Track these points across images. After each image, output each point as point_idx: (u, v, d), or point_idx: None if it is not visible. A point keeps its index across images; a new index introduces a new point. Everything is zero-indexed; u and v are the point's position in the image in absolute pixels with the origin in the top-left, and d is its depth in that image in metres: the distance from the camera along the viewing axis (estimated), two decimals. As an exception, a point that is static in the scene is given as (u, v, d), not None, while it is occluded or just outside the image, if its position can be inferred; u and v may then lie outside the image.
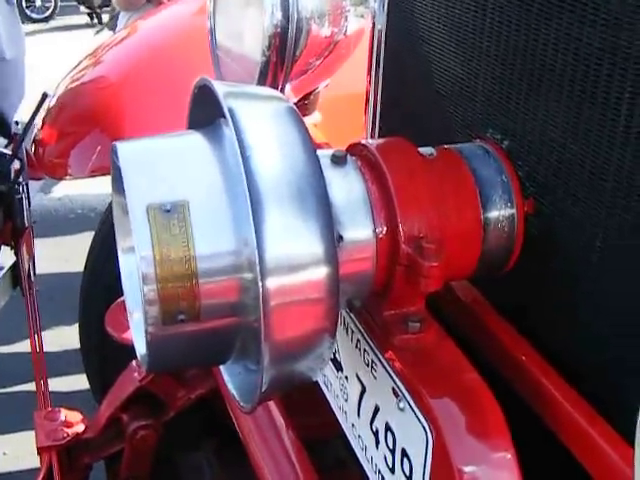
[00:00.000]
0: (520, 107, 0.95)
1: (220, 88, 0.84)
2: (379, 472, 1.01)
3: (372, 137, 1.34)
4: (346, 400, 1.09)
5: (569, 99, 0.86)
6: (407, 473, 0.92)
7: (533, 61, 0.92)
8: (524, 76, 0.94)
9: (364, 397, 1.02)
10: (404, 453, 0.93)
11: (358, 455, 1.09)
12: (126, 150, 0.84)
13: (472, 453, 0.83)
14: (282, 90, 1.36)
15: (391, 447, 0.96)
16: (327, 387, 1.18)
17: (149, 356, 0.83)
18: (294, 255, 0.77)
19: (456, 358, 0.91)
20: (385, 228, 0.89)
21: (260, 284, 0.76)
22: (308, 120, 1.66)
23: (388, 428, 0.96)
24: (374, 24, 1.28)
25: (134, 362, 1.53)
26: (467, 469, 0.82)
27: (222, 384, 1.01)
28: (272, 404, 1.35)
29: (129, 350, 1.04)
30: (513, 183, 0.94)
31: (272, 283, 0.76)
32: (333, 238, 0.80)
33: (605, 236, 0.84)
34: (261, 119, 0.82)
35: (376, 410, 0.99)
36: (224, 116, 0.82)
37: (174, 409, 1.54)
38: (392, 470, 0.97)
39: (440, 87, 1.13)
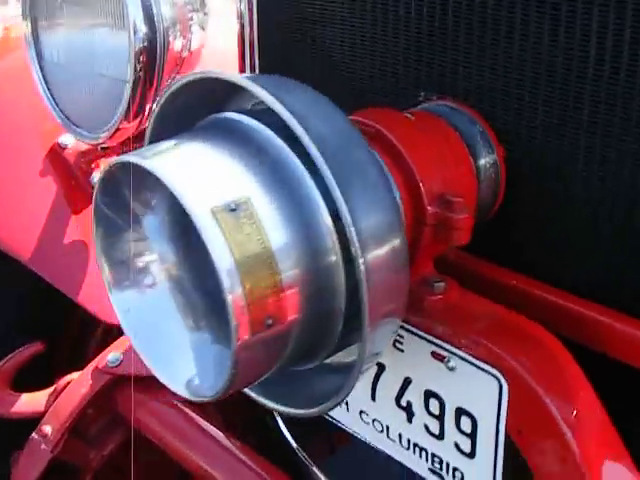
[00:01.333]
0: (469, 61, 0.99)
1: (245, 79, 0.78)
2: (415, 446, 1.00)
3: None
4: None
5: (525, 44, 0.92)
6: (468, 430, 0.92)
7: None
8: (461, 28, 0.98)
9: (381, 378, 1.00)
10: (460, 412, 0.92)
11: (371, 441, 1.06)
12: (157, 162, 0.76)
13: (556, 392, 0.85)
14: (150, 110, 1.29)
15: (437, 413, 0.95)
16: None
17: (233, 375, 0.76)
18: (379, 227, 0.75)
19: (491, 308, 0.92)
20: (406, 193, 0.88)
21: (361, 260, 0.72)
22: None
23: (430, 395, 0.95)
24: (242, 26, 1.25)
25: (35, 435, 1.35)
26: (554, 409, 0.84)
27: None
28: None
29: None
30: (488, 131, 0.98)
31: (371, 258, 0.73)
32: (398, 206, 0.79)
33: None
34: (303, 104, 0.78)
35: (405, 384, 0.97)
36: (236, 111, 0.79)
37: (90, 473, 1.39)
38: (440, 436, 0.96)
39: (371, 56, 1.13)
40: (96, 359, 1.39)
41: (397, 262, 0.77)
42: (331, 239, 0.75)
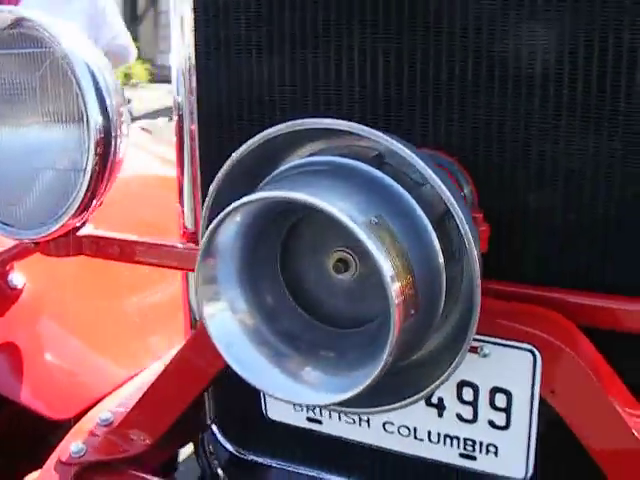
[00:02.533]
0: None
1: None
2: (446, 437, 1.17)
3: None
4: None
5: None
6: (502, 405, 1.12)
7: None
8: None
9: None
10: (495, 392, 1.12)
11: (395, 448, 1.21)
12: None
13: (582, 354, 1.08)
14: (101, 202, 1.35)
15: (470, 399, 1.14)
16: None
17: (387, 361, 0.90)
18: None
19: (506, 304, 1.13)
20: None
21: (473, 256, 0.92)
22: None
23: (464, 385, 1.13)
24: (180, 116, 1.37)
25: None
26: (585, 367, 1.06)
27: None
28: None
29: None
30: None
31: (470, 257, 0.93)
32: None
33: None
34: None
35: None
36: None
37: None
38: (473, 420, 1.14)
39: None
40: (55, 453, 1.38)
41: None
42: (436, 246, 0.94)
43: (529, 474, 1.16)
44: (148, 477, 1.37)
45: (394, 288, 0.87)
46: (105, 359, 1.74)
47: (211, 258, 0.98)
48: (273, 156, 1.04)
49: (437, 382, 0.99)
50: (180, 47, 1.34)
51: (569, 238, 1.12)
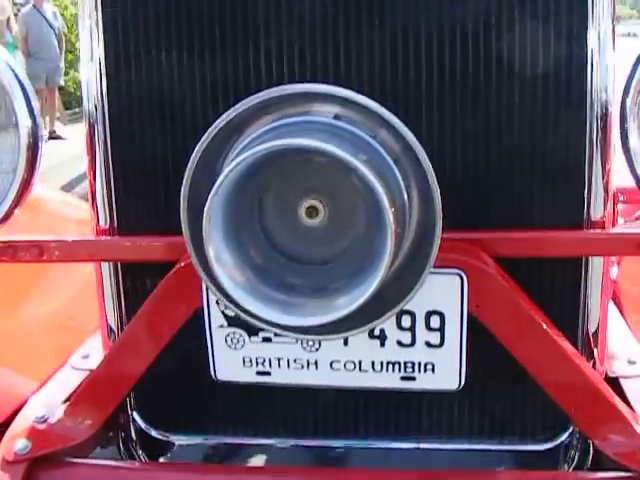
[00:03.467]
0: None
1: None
2: (388, 364, 1.34)
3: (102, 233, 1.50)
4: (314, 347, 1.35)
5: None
6: (437, 326, 1.32)
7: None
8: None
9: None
10: (429, 314, 1.31)
11: (342, 384, 1.36)
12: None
13: (501, 274, 1.31)
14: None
15: (408, 325, 1.32)
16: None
17: (386, 268, 1.07)
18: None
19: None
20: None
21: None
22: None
23: (402, 313, 1.31)
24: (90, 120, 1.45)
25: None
26: (506, 284, 1.29)
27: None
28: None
29: None
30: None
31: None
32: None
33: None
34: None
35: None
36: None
37: None
38: (411, 343, 1.33)
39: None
40: (-3, 455, 1.38)
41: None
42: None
43: (462, 384, 1.37)
44: (103, 463, 1.42)
45: (390, 213, 1.04)
46: (23, 359, 1.74)
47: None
48: (237, 130, 1.17)
49: (407, 298, 1.16)
50: (89, 52, 1.43)
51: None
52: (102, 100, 1.44)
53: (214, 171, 1.17)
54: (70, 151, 8.79)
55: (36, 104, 1.37)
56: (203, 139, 1.14)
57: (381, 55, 1.35)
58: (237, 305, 1.14)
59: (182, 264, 1.34)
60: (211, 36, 1.38)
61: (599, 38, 1.36)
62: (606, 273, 1.49)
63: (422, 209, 1.16)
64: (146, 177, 1.46)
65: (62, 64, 11.45)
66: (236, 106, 1.12)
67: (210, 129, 1.13)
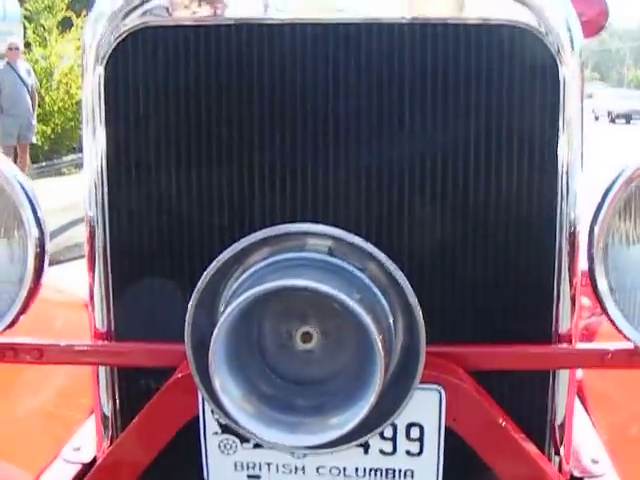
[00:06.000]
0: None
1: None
2: (371, 470, 1.44)
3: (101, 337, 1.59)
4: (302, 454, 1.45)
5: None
6: (416, 436, 1.42)
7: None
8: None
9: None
10: (410, 426, 1.41)
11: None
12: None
13: (475, 387, 1.42)
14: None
15: (390, 436, 1.42)
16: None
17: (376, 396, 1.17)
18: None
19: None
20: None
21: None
22: None
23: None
24: (91, 227, 1.55)
25: None
26: (479, 397, 1.40)
27: None
28: None
29: None
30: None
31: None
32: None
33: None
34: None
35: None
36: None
37: None
38: (393, 452, 1.43)
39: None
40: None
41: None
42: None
43: (440, 490, 1.47)
44: None
45: (380, 346, 1.15)
46: (15, 450, 1.81)
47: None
48: (237, 260, 1.29)
49: (391, 418, 1.27)
50: (92, 163, 1.54)
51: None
52: (103, 209, 1.55)
53: (216, 298, 1.28)
54: (37, 209, 8.79)
55: (42, 213, 1.47)
56: (206, 273, 1.25)
57: (367, 180, 1.48)
58: (239, 425, 1.24)
59: (180, 375, 1.43)
60: (208, 154, 1.50)
61: (567, 172, 1.49)
62: (572, 373, 1.61)
63: (407, 335, 1.29)
64: (144, 286, 1.56)
65: (34, 121, 11.53)
66: (237, 243, 1.24)
67: (213, 263, 1.25)
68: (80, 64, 1.61)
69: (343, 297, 1.14)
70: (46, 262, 1.47)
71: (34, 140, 11.47)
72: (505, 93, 1.46)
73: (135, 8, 1.49)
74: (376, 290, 1.23)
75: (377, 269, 1.25)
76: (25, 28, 14.66)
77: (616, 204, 1.41)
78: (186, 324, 1.26)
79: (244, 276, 1.25)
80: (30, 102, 11.15)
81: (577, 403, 1.91)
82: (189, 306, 1.27)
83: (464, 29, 1.45)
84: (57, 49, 14.99)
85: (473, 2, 1.46)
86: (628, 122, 39.55)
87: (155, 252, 1.55)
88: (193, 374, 1.29)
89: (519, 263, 1.51)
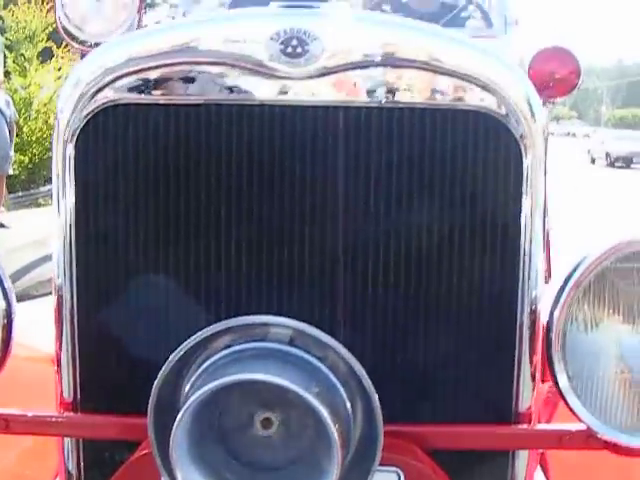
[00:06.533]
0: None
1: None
2: None
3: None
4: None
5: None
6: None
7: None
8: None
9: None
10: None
11: None
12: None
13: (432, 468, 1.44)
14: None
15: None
16: None
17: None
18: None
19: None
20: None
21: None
22: None
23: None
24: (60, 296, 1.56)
25: None
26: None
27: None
28: None
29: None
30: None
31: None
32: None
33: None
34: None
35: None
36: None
37: None
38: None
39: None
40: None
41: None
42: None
43: None
44: None
45: (337, 438, 1.17)
46: None
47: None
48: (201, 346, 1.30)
49: None
50: (61, 235, 1.56)
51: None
52: (71, 280, 1.57)
53: (180, 381, 1.30)
54: (13, 241, 8.75)
55: (9, 284, 1.48)
56: (171, 358, 1.27)
57: (332, 263, 1.50)
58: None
59: (143, 452, 1.44)
60: (176, 230, 1.53)
61: (529, 252, 1.53)
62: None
63: (366, 421, 1.31)
64: (111, 357, 1.58)
65: (12, 152, 11.48)
66: (201, 332, 1.26)
67: (178, 349, 1.27)
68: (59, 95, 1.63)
69: (301, 392, 1.16)
70: (13, 332, 1.48)
71: (10, 172, 11.40)
72: (470, 178, 1.50)
73: (106, 85, 1.51)
74: (335, 381, 1.26)
75: (337, 357, 1.27)
76: (5, 57, 14.66)
77: (577, 290, 1.45)
78: (149, 407, 1.28)
79: (206, 364, 1.27)
80: (8, 134, 11.11)
81: (540, 474, 1.93)
82: (153, 388, 1.29)
83: (430, 114, 1.49)
84: (37, 79, 14.97)
85: (438, 87, 1.49)
86: (628, 166, 34.60)
87: (122, 326, 1.56)
88: (155, 457, 1.30)
89: (479, 343, 1.54)
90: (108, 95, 1.52)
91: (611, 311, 1.46)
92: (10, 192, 12.67)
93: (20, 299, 1.57)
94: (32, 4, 15.56)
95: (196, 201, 1.52)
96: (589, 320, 1.47)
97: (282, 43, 1.43)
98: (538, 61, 3.54)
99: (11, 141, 11.28)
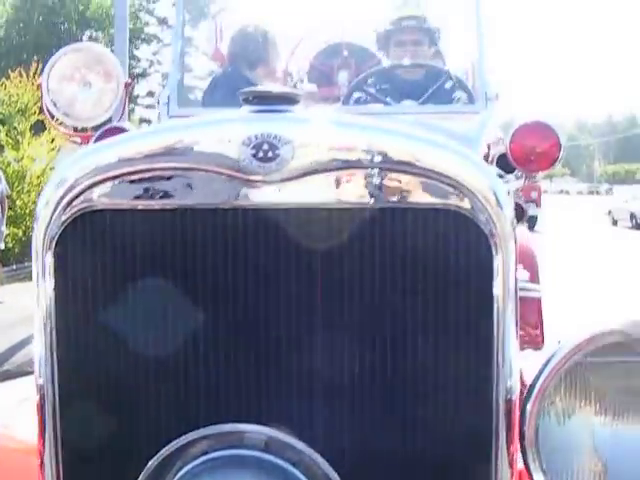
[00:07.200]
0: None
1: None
2: None
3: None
4: None
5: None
6: None
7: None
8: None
9: None
10: None
11: None
12: None
13: None
14: None
15: None
16: None
17: None
18: None
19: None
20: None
21: None
22: None
23: None
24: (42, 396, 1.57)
25: None
26: None
27: None
28: None
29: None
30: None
31: None
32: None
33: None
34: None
35: None
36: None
37: None
38: None
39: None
40: None
41: None
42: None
43: None
44: None
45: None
46: None
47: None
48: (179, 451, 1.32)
49: None
50: (41, 338, 1.58)
51: None
52: (52, 380, 1.59)
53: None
54: (6, 317, 8.74)
55: None
56: (148, 466, 1.28)
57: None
58: None
59: None
60: (155, 333, 1.55)
61: (502, 343, 1.54)
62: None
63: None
64: (94, 461, 1.59)
65: (4, 227, 11.55)
66: (176, 441, 1.27)
67: (157, 456, 1.28)
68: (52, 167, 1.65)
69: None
70: None
71: (2, 246, 11.46)
72: (441, 278, 1.52)
73: (82, 192, 1.54)
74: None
75: (311, 462, 1.28)
76: (-1, 131, 14.83)
77: (549, 384, 1.46)
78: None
79: (182, 472, 1.28)
80: (0, 208, 11.18)
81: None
82: None
83: (401, 214, 1.52)
84: (30, 152, 15.12)
85: (409, 187, 1.52)
86: (658, 229, 27.76)
87: (102, 431, 1.57)
88: None
89: (456, 437, 1.55)
90: (85, 201, 1.55)
91: (583, 403, 1.48)
92: (4, 265, 12.70)
93: (14, 376, 1.58)
94: (24, 78, 15.79)
95: (173, 306, 1.54)
96: (562, 413, 1.48)
97: (254, 148, 1.47)
98: (519, 136, 3.58)
99: (2, 216, 11.34)
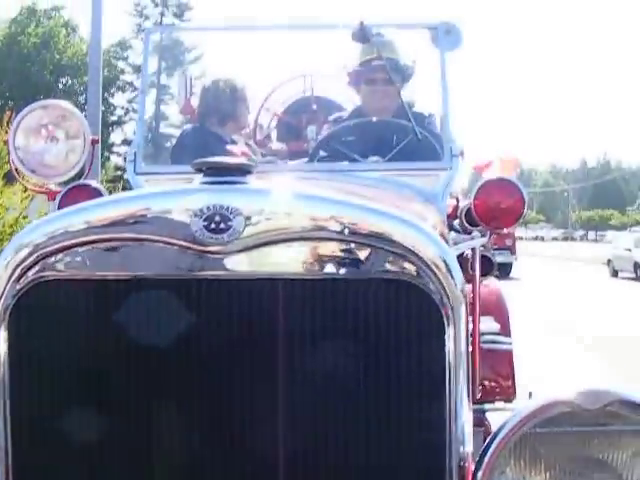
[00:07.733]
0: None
1: None
2: None
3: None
4: None
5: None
6: None
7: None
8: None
9: None
10: None
11: None
12: None
13: None
14: None
15: None
16: None
17: None
18: None
19: None
20: None
21: None
22: None
23: None
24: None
25: None
26: None
27: None
28: None
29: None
30: None
31: None
32: None
33: None
34: None
35: None
36: None
37: None
38: None
39: None
40: None
41: None
42: None
43: None
44: None
45: None
46: None
47: None
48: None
49: None
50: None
51: None
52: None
53: None
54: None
55: None
56: None
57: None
58: None
59: None
60: (109, 415, 1.55)
61: (455, 411, 1.55)
62: None
63: None
64: None
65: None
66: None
67: None
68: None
69: None
70: None
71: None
72: (392, 349, 1.53)
73: (35, 263, 1.54)
74: None
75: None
76: (-30, 181, 14.69)
77: (499, 454, 1.47)
78: None
79: None
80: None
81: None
82: None
83: (354, 284, 1.53)
84: (2, 200, 14.98)
85: (361, 257, 1.53)
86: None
87: None
88: None
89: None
90: (40, 271, 1.54)
91: (533, 473, 1.48)
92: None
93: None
94: (-5, 127, 15.70)
95: (126, 380, 1.54)
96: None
97: (206, 219, 1.48)
98: (483, 193, 3.60)
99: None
